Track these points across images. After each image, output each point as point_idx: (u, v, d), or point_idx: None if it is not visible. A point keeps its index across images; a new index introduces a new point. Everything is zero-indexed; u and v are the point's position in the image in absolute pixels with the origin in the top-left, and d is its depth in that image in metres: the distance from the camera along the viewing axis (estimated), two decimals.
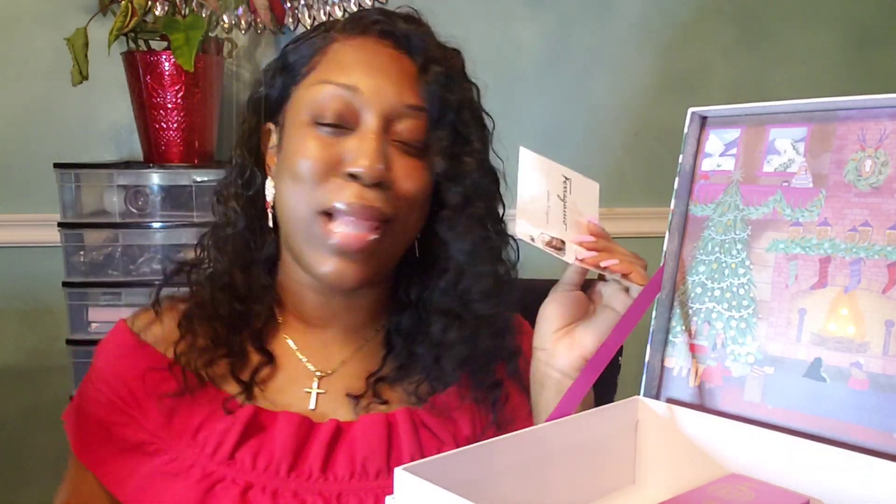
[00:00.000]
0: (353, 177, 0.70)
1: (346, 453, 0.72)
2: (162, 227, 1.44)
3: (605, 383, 1.04)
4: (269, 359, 0.77)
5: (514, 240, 0.80)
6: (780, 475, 0.51)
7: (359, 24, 0.76)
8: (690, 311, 0.60)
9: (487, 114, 0.82)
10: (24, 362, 1.70)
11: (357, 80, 0.72)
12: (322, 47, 0.76)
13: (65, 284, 1.44)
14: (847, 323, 0.51)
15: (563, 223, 0.71)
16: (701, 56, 1.90)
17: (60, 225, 1.43)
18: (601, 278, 0.75)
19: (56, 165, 1.44)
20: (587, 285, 0.75)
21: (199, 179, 1.45)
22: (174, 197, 1.45)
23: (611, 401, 0.63)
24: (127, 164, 1.54)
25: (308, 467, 0.71)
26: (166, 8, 1.56)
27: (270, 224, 0.78)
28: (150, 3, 1.52)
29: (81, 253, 1.45)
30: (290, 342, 0.79)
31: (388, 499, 0.47)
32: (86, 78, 1.41)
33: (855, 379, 0.50)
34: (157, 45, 1.51)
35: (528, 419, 0.77)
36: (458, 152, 0.75)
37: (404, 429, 0.74)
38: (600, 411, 0.58)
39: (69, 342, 1.43)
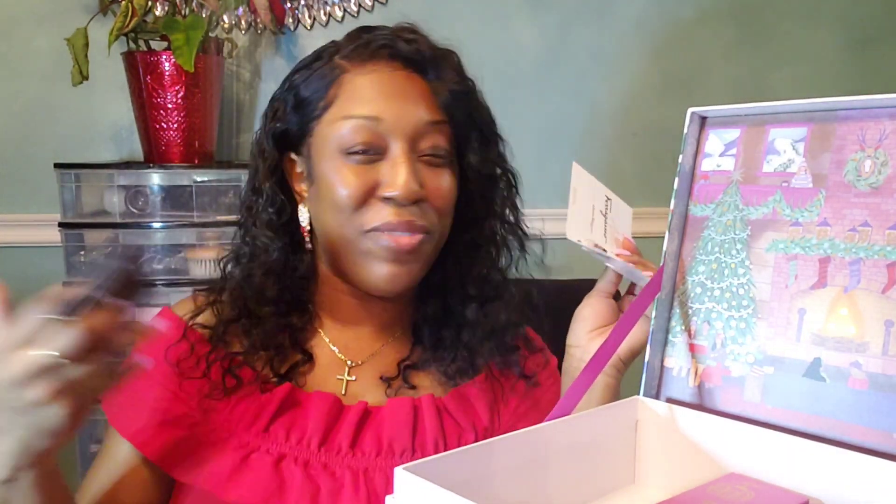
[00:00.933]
0: (390, 199, 0.75)
1: (374, 433, 0.78)
2: (162, 228, 1.44)
3: None
4: (308, 357, 0.82)
5: (530, 236, 0.90)
6: (780, 475, 0.51)
7: (366, 51, 0.79)
8: (690, 311, 0.60)
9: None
10: None
11: (378, 110, 0.76)
12: (335, 80, 0.79)
13: (65, 284, 1.44)
14: (846, 323, 0.51)
15: (604, 236, 0.77)
16: (701, 56, 1.90)
17: (61, 225, 1.43)
18: (630, 293, 0.80)
19: (56, 165, 1.44)
20: (617, 296, 0.80)
21: (199, 179, 1.45)
22: (174, 197, 1.45)
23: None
24: (127, 165, 1.54)
25: (338, 443, 0.76)
26: (166, 8, 1.56)
27: (308, 246, 0.83)
28: (150, 3, 1.52)
29: (82, 253, 1.46)
30: (325, 338, 0.84)
31: (388, 498, 0.47)
32: (86, 78, 1.41)
33: (854, 379, 0.50)
34: (157, 45, 1.51)
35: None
36: (483, 157, 0.82)
37: (429, 413, 0.79)
38: (600, 411, 0.58)
39: None
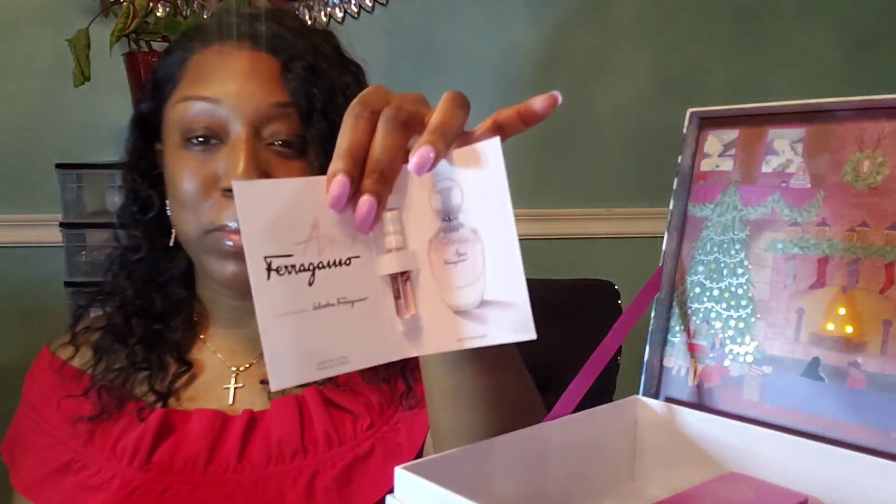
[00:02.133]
0: (229, 192, 0.69)
1: (262, 440, 0.73)
2: None
3: (605, 383, 1.05)
4: (188, 367, 0.78)
5: None
6: (779, 474, 0.51)
7: (216, 31, 0.74)
8: (689, 311, 0.60)
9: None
10: (26, 362, 1.69)
11: (218, 90, 0.70)
12: (184, 60, 0.74)
13: (67, 284, 1.44)
14: (845, 323, 0.52)
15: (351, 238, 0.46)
16: (700, 56, 1.90)
17: (62, 225, 1.44)
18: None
19: (58, 166, 1.44)
20: None
21: None
22: None
23: (610, 400, 0.63)
24: None
25: (224, 460, 0.72)
26: (167, 9, 1.56)
27: (171, 244, 0.78)
28: (151, 4, 1.52)
29: (83, 253, 1.46)
30: (210, 346, 0.80)
31: (388, 498, 0.47)
32: (88, 79, 1.42)
33: (853, 378, 0.51)
34: (158, 46, 1.51)
35: None
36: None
37: (315, 407, 0.75)
38: (600, 410, 0.58)
39: None
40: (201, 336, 0.81)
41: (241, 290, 0.74)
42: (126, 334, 0.78)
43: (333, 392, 0.76)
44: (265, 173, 0.69)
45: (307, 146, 0.72)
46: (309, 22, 0.80)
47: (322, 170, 0.65)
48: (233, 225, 0.69)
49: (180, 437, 0.73)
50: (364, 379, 0.76)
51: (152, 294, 0.79)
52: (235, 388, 0.78)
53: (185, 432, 0.73)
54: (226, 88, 0.70)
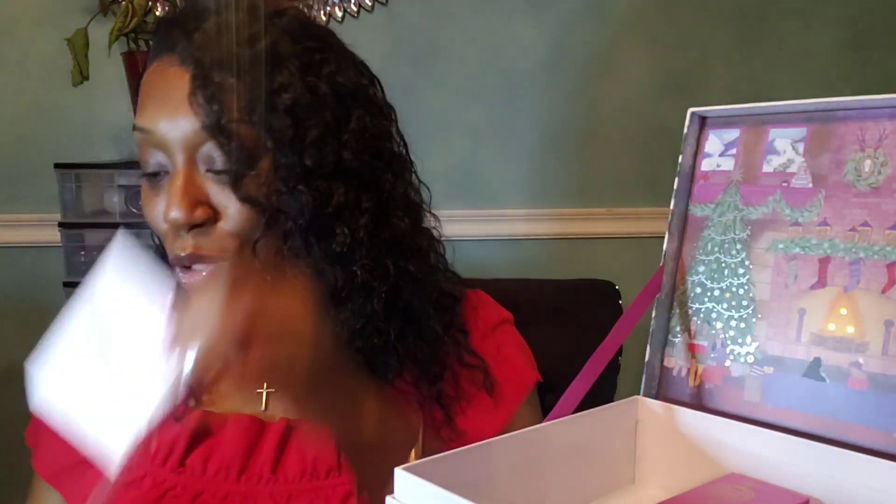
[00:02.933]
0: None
1: (297, 453, 0.71)
2: None
3: (605, 383, 1.05)
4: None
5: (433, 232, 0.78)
6: (780, 475, 0.51)
7: (154, 44, 0.69)
8: (690, 311, 0.60)
9: (346, 81, 0.70)
10: (25, 362, 1.69)
11: (148, 119, 0.66)
12: (143, 77, 0.70)
13: (65, 284, 1.44)
14: (846, 323, 0.51)
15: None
16: (701, 56, 1.90)
17: (61, 225, 1.43)
18: None
19: (57, 166, 1.44)
20: None
21: None
22: None
23: (610, 401, 0.63)
24: (127, 165, 1.54)
25: (258, 469, 0.70)
26: (166, 8, 1.55)
27: None
28: (150, 3, 1.52)
29: (82, 253, 1.46)
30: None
31: (388, 499, 0.47)
32: (86, 78, 1.41)
33: (854, 379, 0.50)
34: None
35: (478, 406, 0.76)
36: (258, 168, 0.66)
37: None
38: (600, 411, 0.58)
39: None
40: None
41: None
42: None
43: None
44: (204, 203, 0.66)
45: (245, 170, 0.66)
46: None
47: (244, 195, 0.64)
48: (178, 257, 0.67)
49: (215, 442, 0.71)
50: (400, 403, 0.73)
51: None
52: (268, 393, 0.75)
53: (220, 437, 0.71)
54: (155, 115, 0.66)
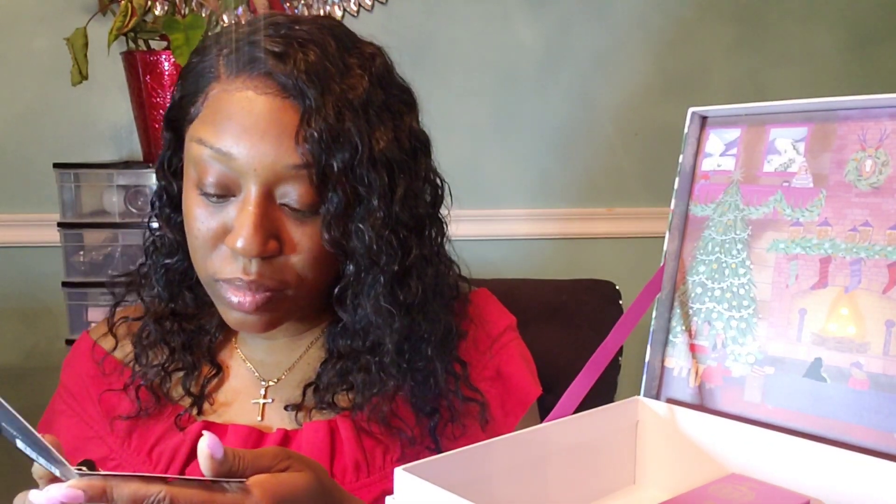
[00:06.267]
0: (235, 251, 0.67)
1: None
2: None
3: (605, 383, 1.05)
4: (218, 370, 0.78)
5: (454, 263, 0.79)
6: (781, 475, 0.51)
7: (240, 60, 0.67)
8: (691, 312, 0.60)
9: (419, 130, 0.74)
10: (24, 362, 1.70)
11: (231, 145, 0.65)
12: (206, 86, 0.68)
13: (64, 284, 1.44)
14: (847, 323, 0.51)
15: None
16: (701, 56, 1.90)
17: (60, 225, 1.43)
18: None
19: (56, 165, 1.44)
20: None
21: None
22: None
23: (611, 401, 0.63)
24: (126, 164, 1.54)
25: None
26: (166, 8, 1.55)
27: None
28: (149, 2, 1.52)
29: (81, 253, 1.45)
30: (240, 352, 0.80)
31: (388, 499, 0.47)
32: (85, 78, 1.41)
33: (855, 379, 0.50)
34: (156, 44, 1.51)
35: (473, 424, 0.76)
36: (352, 217, 0.68)
37: (346, 435, 0.73)
38: (600, 411, 0.58)
39: (69, 342, 1.42)
40: (232, 339, 0.80)
41: (249, 333, 0.74)
42: (164, 333, 0.77)
43: (365, 421, 0.74)
44: (275, 237, 0.67)
45: (320, 208, 0.67)
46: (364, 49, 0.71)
47: (333, 238, 0.67)
48: (234, 280, 0.67)
49: None
50: (398, 412, 0.74)
51: (185, 294, 0.78)
52: (264, 404, 0.76)
53: None
54: (241, 142, 0.65)
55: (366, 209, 0.68)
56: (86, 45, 1.40)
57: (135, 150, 1.64)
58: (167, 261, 0.78)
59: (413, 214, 0.71)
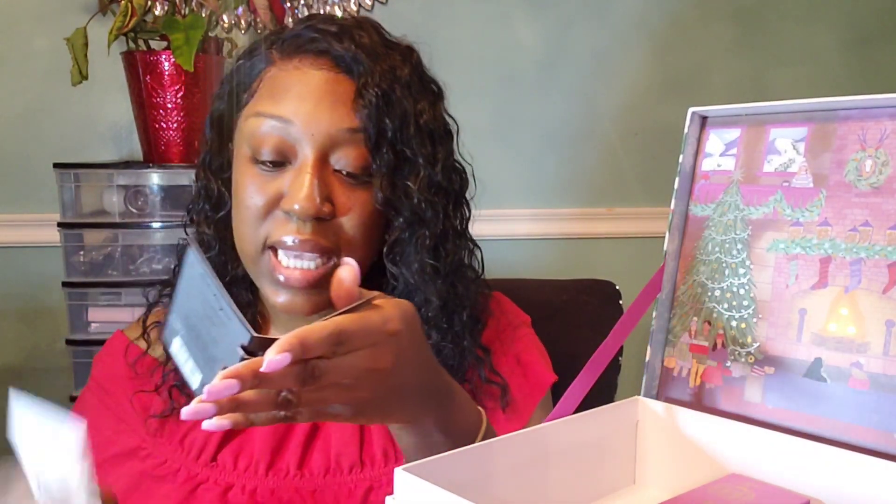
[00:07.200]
0: (291, 213, 0.70)
1: (322, 450, 0.75)
2: (162, 228, 1.44)
3: (605, 383, 1.05)
4: None
5: (478, 246, 0.83)
6: (781, 475, 0.51)
7: (293, 44, 0.73)
8: (691, 312, 0.60)
9: (450, 115, 0.81)
10: (24, 362, 1.69)
11: (289, 110, 0.70)
12: (261, 72, 0.74)
13: (64, 284, 1.44)
14: (847, 323, 0.51)
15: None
16: (701, 56, 1.90)
17: (60, 225, 1.43)
18: None
19: (56, 165, 1.44)
20: None
21: None
22: (174, 197, 1.45)
23: (611, 401, 0.63)
24: (127, 164, 1.54)
25: (285, 465, 0.74)
26: (166, 8, 1.55)
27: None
28: (149, 2, 1.52)
29: (81, 253, 1.45)
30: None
31: (388, 499, 0.47)
32: (85, 78, 1.41)
33: (855, 379, 0.50)
34: (156, 44, 1.51)
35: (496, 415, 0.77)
36: (401, 177, 0.73)
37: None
38: (600, 411, 0.58)
39: (69, 342, 1.42)
40: (268, 332, 0.82)
41: (294, 316, 0.75)
42: None
43: None
44: (328, 200, 0.70)
45: (372, 175, 0.72)
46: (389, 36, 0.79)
47: (385, 196, 0.71)
48: (288, 241, 0.70)
49: (245, 438, 0.75)
50: None
51: None
52: None
53: (249, 434, 0.75)
54: (299, 109, 0.70)
55: (413, 170, 0.73)
56: (86, 45, 1.40)
57: (135, 150, 1.63)
58: (206, 254, 0.79)
59: (450, 184, 0.77)
